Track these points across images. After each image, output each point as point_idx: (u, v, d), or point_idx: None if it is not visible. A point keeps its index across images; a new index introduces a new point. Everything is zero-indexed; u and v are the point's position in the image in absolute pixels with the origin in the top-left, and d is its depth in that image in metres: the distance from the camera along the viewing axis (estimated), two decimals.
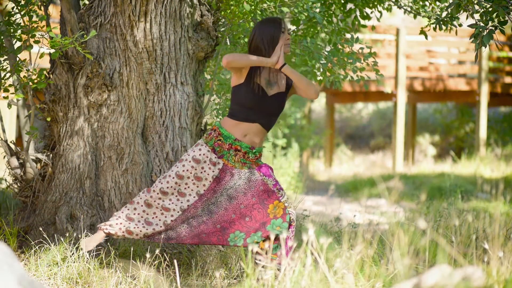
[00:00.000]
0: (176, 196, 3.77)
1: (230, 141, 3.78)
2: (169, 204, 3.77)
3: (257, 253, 3.58)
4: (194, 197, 3.77)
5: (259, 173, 3.82)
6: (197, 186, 3.78)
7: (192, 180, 3.77)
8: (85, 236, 4.12)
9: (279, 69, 3.75)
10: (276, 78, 3.83)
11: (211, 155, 3.78)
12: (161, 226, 3.78)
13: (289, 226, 3.71)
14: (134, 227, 3.78)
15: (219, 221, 3.77)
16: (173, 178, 3.77)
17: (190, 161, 3.77)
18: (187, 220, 3.77)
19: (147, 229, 3.78)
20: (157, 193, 3.79)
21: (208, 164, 3.77)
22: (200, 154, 3.78)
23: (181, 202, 3.77)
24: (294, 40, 4.83)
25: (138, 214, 3.80)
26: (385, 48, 13.45)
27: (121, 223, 3.79)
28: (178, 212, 3.76)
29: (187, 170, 3.77)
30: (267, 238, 3.69)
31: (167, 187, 3.77)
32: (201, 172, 3.77)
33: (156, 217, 3.80)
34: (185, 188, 3.77)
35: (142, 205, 3.80)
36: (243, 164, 3.81)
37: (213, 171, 3.78)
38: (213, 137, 3.80)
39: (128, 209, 3.81)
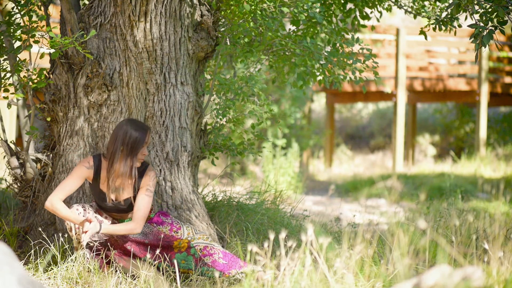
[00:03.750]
0: (83, 206, 3.97)
1: (114, 221, 4.06)
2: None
3: (256, 253, 3.59)
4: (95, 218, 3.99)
5: (152, 225, 4.06)
6: (95, 216, 4.01)
7: (94, 212, 4.02)
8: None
9: (98, 232, 3.84)
10: (123, 185, 3.95)
11: None
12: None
13: (201, 255, 3.97)
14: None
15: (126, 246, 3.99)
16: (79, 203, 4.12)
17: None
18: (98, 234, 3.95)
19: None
20: None
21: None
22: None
23: (88, 213, 3.94)
24: (294, 40, 4.83)
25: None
26: (385, 48, 13.45)
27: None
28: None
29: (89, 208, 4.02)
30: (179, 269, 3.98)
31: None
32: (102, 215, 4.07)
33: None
34: (89, 208, 3.98)
35: None
36: None
37: (109, 221, 4.06)
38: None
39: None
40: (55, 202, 3.80)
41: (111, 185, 3.88)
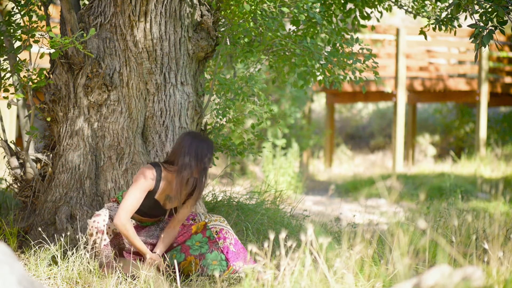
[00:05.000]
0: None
1: (137, 223, 4.06)
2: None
3: (256, 253, 3.59)
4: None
5: (168, 219, 4.13)
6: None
7: None
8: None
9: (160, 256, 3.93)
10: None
11: None
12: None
13: (217, 237, 4.03)
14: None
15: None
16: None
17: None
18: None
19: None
20: None
21: None
22: None
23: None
24: (294, 40, 4.83)
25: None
26: (385, 48, 13.45)
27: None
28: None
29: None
30: (188, 255, 4.03)
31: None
32: None
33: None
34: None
35: None
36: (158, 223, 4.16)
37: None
38: None
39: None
40: (128, 225, 3.79)
41: (176, 197, 3.88)
